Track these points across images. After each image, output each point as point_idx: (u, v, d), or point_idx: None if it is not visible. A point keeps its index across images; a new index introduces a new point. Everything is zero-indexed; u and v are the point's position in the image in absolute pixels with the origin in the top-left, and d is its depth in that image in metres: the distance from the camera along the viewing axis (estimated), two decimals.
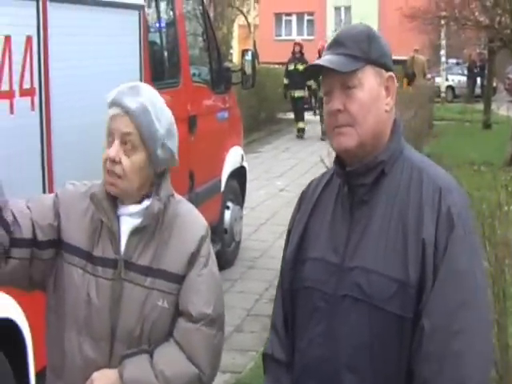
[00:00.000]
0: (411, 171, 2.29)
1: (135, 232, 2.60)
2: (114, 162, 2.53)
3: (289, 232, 2.53)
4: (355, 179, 2.31)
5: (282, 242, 8.30)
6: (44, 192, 4.50)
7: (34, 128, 4.46)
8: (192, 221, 2.70)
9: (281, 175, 15.21)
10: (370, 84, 2.28)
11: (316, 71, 2.37)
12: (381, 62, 2.32)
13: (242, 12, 43.13)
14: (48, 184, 4.55)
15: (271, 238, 10.19)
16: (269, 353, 2.51)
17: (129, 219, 2.61)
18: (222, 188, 8.51)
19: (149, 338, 2.57)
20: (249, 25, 42.19)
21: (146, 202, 2.61)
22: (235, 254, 9.10)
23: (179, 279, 2.59)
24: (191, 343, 2.58)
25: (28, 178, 4.40)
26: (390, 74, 2.34)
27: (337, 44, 2.33)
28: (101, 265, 2.59)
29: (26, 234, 2.59)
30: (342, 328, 2.25)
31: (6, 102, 4.19)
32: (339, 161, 2.36)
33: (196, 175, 7.42)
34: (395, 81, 2.35)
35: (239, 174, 9.16)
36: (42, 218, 2.63)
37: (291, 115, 25.10)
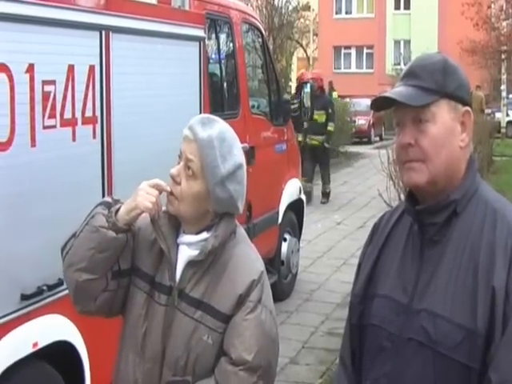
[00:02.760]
0: (485, 211, 2.18)
1: (191, 264, 2.59)
2: (174, 181, 2.56)
3: (359, 265, 2.46)
4: (426, 218, 2.21)
5: (339, 276, 8.35)
6: None
7: (95, 156, 4.53)
8: (247, 263, 2.64)
9: (338, 209, 15.13)
10: (444, 119, 2.17)
11: (386, 103, 2.26)
12: (457, 95, 2.20)
13: (301, 45, 43.34)
14: None
15: (328, 271, 10.13)
16: None
17: (187, 249, 2.61)
18: (280, 220, 8.49)
19: (193, 369, 2.56)
20: (308, 58, 42.36)
21: (204, 235, 2.60)
22: (292, 285, 9.05)
23: (226, 318, 2.55)
24: None
25: (89, 204, 4.41)
26: (467, 108, 2.22)
27: (410, 75, 2.23)
28: (158, 290, 2.62)
29: (115, 266, 2.65)
30: (407, 371, 2.17)
31: (69, 129, 4.25)
32: (411, 197, 2.26)
33: (254, 206, 7.42)
34: (472, 116, 2.23)
35: (297, 207, 9.13)
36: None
37: (350, 148, 25.12)
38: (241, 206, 2.63)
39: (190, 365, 2.55)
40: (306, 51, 43.28)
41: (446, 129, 2.18)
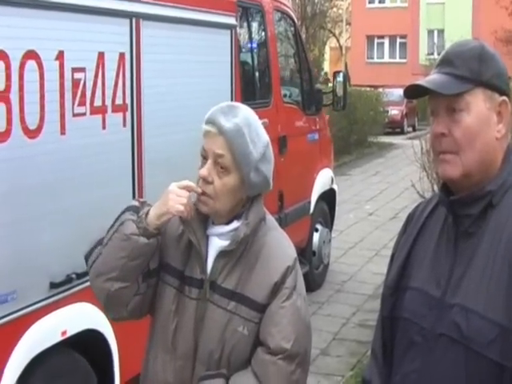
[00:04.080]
0: None
1: (222, 254, 2.52)
2: (206, 181, 2.46)
3: (392, 256, 2.39)
4: (460, 209, 2.13)
5: (371, 267, 8.27)
6: None
7: (126, 144, 4.50)
8: (280, 250, 2.58)
9: (370, 199, 15.04)
10: (479, 108, 2.09)
11: (419, 91, 2.17)
12: (493, 83, 2.10)
13: (333, 34, 43.25)
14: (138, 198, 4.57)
15: (360, 261, 10.07)
16: (367, 379, 2.41)
17: (217, 240, 2.55)
18: (312, 210, 8.43)
19: (228, 361, 2.51)
20: (340, 47, 42.21)
21: (235, 224, 2.54)
22: (323, 276, 8.99)
23: (261, 308, 2.50)
24: (267, 375, 2.48)
25: (119, 193, 4.43)
26: (504, 98, 2.12)
27: (444, 62, 2.14)
28: (188, 284, 2.54)
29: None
30: (438, 368, 2.10)
31: (99, 117, 4.23)
32: (446, 187, 2.18)
33: (285, 196, 7.37)
34: (509, 105, 2.13)
35: (329, 197, 9.07)
36: None
37: (382, 138, 24.99)
38: (272, 182, 2.59)
39: (225, 358, 2.50)
40: (338, 41, 43.11)
41: (481, 119, 2.09)
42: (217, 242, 2.54)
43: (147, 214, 2.48)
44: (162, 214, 2.45)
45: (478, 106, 2.09)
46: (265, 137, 2.55)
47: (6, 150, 3.59)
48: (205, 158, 2.48)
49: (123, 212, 2.55)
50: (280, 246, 2.60)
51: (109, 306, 2.62)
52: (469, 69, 2.09)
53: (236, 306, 2.49)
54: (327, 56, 45.92)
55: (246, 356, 2.51)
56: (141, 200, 2.62)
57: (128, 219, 2.49)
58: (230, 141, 2.43)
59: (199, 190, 2.46)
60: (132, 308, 2.58)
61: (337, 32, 44.44)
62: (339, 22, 43.78)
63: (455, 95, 2.08)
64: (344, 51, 41.73)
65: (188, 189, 2.46)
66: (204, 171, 2.46)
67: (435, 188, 7.91)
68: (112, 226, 2.54)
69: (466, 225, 2.13)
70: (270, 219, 2.65)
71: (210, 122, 2.47)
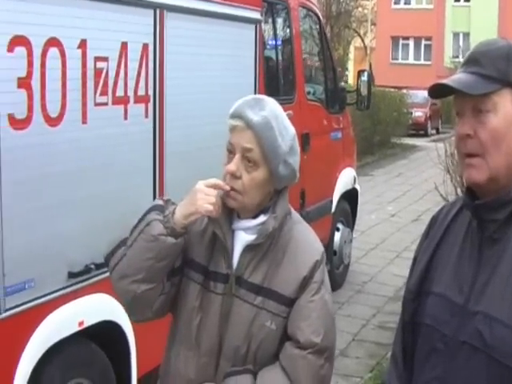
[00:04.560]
0: None
1: (248, 248, 2.48)
2: (234, 176, 2.42)
3: (414, 259, 2.32)
4: (485, 214, 2.05)
5: (392, 269, 8.19)
6: (154, 198, 4.49)
7: (147, 135, 4.48)
8: (307, 244, 2.55)
9: (393, 200, 14.95)
10: (506, 109, 2.00)
11: (444, 90, 2.09)
12: None
13: (358, 34, 43.10)
14: (159, 191, 4.56)
15: (381, 263, 10.00)
16: (386, 383, 2.35)
17: (243, 234, 2.50)
18: (333, 209, 8.38)
19: (255, 357, 2.47)
20: (365, 47, 42.09)
21: (262, 218, 2.49)
22: (344, 276, 8.93)
23: (289, 302, 2.46)
24: (297, 370, 2.44)
25: (140, 184, 4.42)
26: None
27: (471, 61, 2.07)
28: (213, 279, 2.50)
29: None
30: (459, 376, 2.04)
31: (121, 107, 4.21)
32: (471, 191, 2.11)
33: (307, 194, 7.32)
34: None
35: (351, 196, 9.00)
36: None
37: (406, 140, 24.88)
38: (298, 174, 2.55)
39: (251, 353, 2.47)
40: (363, 40, 42.96)
41: (509, 120, 2.01)
42: (243, 237, 2.50)
43: (173, 213, 2.42)
44: (190, 213, 2.39)
45: (506, 107, 2.01)
46: (291, 129, 2.52)
47: (27, 136, 3.58)
48: (231, 152, 2.45)
49: (148, 212, 2.47)
50: (307, 240, 2.57)
51: (134, 309, 2.57)
52: (496, 68, 2.02)
53: (263, 300, 2.46)
54: (351, 55, 45.75)
55: (272, 351, 2.48)
56: (165, 198, 2.56)
57: (154, 219, 2.42)
58: (258, 134, 2.39)
59: (227, 188, 2.41)
60: (156, 308, 2.53)
61: (362, 32, 44.27)
62: (364, 22, 43.60)
63: (482, 95, 2.00)
64: (369, 51, 41.56)
65: (216, 187, 2.41)
66: (232, 166, 2.41)
67: (458, 191, 7.83)
68: (136, 226, 2.46)
69: (491, 230, 2.05)
70: (294, 213, 2.62)
71: (236, 115, 2.43)
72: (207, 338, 2.49)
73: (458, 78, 2.05)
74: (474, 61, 2.06)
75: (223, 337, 2.48)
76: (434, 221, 2.32)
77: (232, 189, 2.42)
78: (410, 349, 2.25)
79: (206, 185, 2.40)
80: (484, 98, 2.00)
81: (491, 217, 2.04)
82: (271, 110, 2.45)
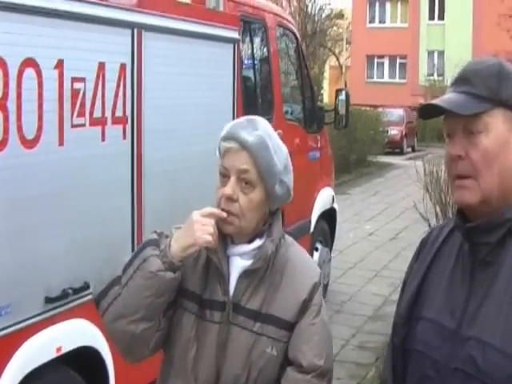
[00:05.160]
0: None
1: (245, 274, 2.42)
2: (230, 200, 2.37)
3: (404, 283, 2.27)
4: (477, 237, 2.00)
5: (371, 288, 8.17)
6: (132, 220, 4.43)
7: (125, 157, 4.41)
8: (304, 266, 2.51)
9: (370, 219, 14.95)
10: (498, 130, 1.95)
11: (433, 110, 2.05)
12: None
13: (333, 53, 43.30)
14: (137, 212, 4.49)
15: (359, 282, 9.97)
16: None
17: (239, 260, 2.45)
18: (312, 229, 8.33)
19: None
20: (340, 66, 42.27)
21: (258, 242, 2.44)
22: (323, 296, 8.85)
23: (290, 326, 2.42)
24: None
25: (118, 205, 4.35)
26: None
27: (461, 80, 2.02)
28: (209, 308, 2.43)
29: None
30: None
31: (98, 129, 4.14)
32: (462, 213, 2.06)
33: (286, 214, 7.21)
34: None
35: (329, 216, 8.97)
36: None
37: (382, 158, 24.98)
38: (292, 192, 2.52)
39: (251, 381, 2.40)
40: (338, 59, 43.17)
41: (500, 141, 1.96)
42: (239, 262, 2.44)
43: (169, 246, 2.35)
44: (188, 246, 2.33)
45: (498, 127, 1.96)
46: (284, 147, 2.50)
47: (3, 159, 3.50)
48: (225, 176, 2.40)
49: (142, 248, 2.40)
50: (304, 262, 2.54)
51: (131, 349, 2.47)
52: (487, 87, 1.97)
53: (262, 326, 2.41)
54: (326, 75, 45.91)
55: (273, 377, 2.43)
56: (158, 231, 2.47)
57: (151, 255, 2.35)
58: (254, 154, 2.35)
59: (224, 215, 2.36)
60: (153, 346, 2.45)
61: (337, 51, 44.52)
62: (339, 41, 43.87)
63: (473, 116, 1.95)
64: (344, 70, 41.76)
65: (212, 216, 2.35)
66: (228, 190, 2.36)
67: (437, 209, 7.83)
68: (130, 263, 2.38)
69: (483, 253, 2.00)
70: (287, 235, 2.57)
71: (229, 138, 2.39)
72: (204, 369, 2.42)
73: (448, 98, 2.01)
74: (464, 80, 2.02)
75: (221, 367, 2.41)
76: (423, 244, 2.27)
77: (228, 213, 2.37)
78: (401, 374, 2.19)
79: (202, 215, 2.34)
80: (475, 118, 1.95)
81: (484, 240, 1.99)
82: (264, 129, 2.43)
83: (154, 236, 2.43)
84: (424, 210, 7.93)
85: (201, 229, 2.31)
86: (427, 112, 2.10)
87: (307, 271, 2.49)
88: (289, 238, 2.57)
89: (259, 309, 2.41)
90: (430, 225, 7.86)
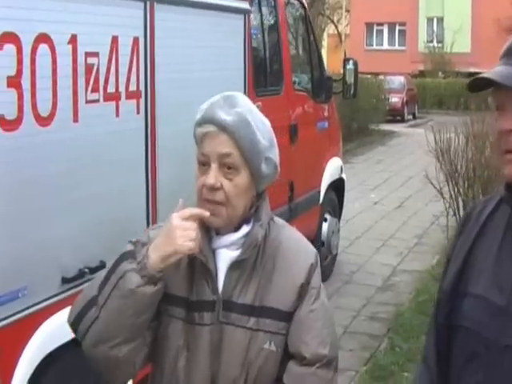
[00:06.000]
0: None
1: (234, 266, 2.22)
2: (213, 189, 2.16)
3: (448, 260, 2.19)
4: None
5: (379, 258, 8.16)
6: (147, 197, 4.37)
7: (139, 132, 4.32)
8: (298, 248, 2.31)
9: (374, 188, 14.89)
10: None
11: (484, 84, 1.96)
12: None
13: (332, 21, 42.95)
14: (151, 189, 4.41)
15: (368, 252, 9.92)
16: None
17: (226, 252, 2.24)
18: (321, 200, 8.26)
19: None
20: (339, 34, 41.96)
21: (246, 229, 2.24)
22: (331, 267, 8.83)
23: (288, 316, 2.23)
24: None
25: (132, 182, 4.27)
26: None
27: (511, 53, 1.94)
28: (197, 310, 2.22)
29: None
30: (502, 382, 1.91)
31: (112, 104, 4.05)
32: (510, 186, 1.99)
33: (296, 186, 7.21)
34: None
35: (337, 186, 8.91)
36: None
37: (383, 126, 24.89)
38: (279, 167, 2.30)
39: (251, 382, 2.22)
40: (337, 28, 42.85)
41: None
42: (226, 254, 2.24)
43: (147, 256, 2.12)
44: (167, 255, 2.10)
45: None
46: (266, 120, 2.29)
47: (17, 138, 3.40)
48: (205, 164, 2.18)
49: (118, 262, 2.17)
50: (297, 244, 2.34)
51: (116, 374, 2.26)
52: None
53: (257, 321, 2.21)
54: (325, 43, 45.64)
55: (274, 375, 2.24)
56: (133, 240, 2.25)
57: (128, 270, 2.12)
58: (235, 135, 2.15)
59: (207, 214, 2.14)
60: (140, 363, 2.26)
61: (335, 19, 44.15)
62: (338, 9, 43.48)
63: None
64: (344, 38, 41.49)
65: (194, 217, 2.13)
66: (211, 179, 2.15)
67: (449, 180, 7.75)
68: (106, 281, 2.16)
69: None
70: (276, 217, 2.38)
71: (205, 121, 2.18)
72: (198, 376, 2.23)
73: (499, 71, 1.92)
74: None
75: (216, 371, 2.22)
76: (467, 218, 2.19)
77: (213, 202, 2.17)
78: (444, 352, 2.12)
79: (183, 217, 2.12)
80: None
81: None
82: (243, 104, 2.22)
83: (130, 247, 2.21)
84: (436, 180, 7.85)
85: (182, 235, 2.09)
86: (476, 85, 2.01)
87: (302, 253, 2.30)
88: (279, 220, 2.38)
89: (253, 302, 2.22)
90: (442, 195, 7.79)
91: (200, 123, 2.19)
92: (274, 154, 2.26)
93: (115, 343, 2.15)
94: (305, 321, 2.23)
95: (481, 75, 1.95)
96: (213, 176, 2.15)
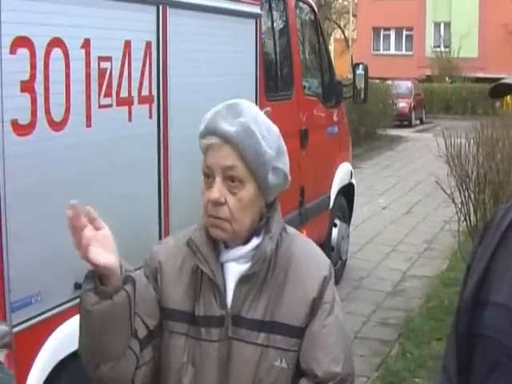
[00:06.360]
0: None
1: (243, 280, 2.14)
2: (217, 203, 2.08)
3: (468, 267, 2.14)
4: None
5: (388, 263, 8.13)
6: (159, 202, 4.34)
7: (152, 137, 4.31)
8: (311, 259, 2.21)
9: (383, 193, 14.86)
10: None
11: (506, 89, 1.93)
12: None
13: (339, 26, 42.95)
14: (164, 193, 4.40)
15: (377, 257, 9.88)
16: None
17: (234, 265, 2.16)
18: (331, 205, 8.24)
19: None
20: (346, 39, 41.95)
21: (255, 241, 2.16)
22: (341, 273, 8.79)
23: (300, 332, 2.14)
24: None
25: (144, 186, 4.25)
26: None
27: None
28: (204, 325, 2.15)
29: (142, 331, 2.17)
30: None
31: (125, 109, 4.04)
32: None
33: (307, 191, 7.18)
34: None
35: (347, 191, 8.89)
36: (144, 302, 2.19)
37: (391, 131, 24.87)
38: (289, 176, 2.22)
39: None
40: (343, 32, 42.83)
41: None
42: (235, 268, 2.16)
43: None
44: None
45: None
46: (274, 127, 2.19)
47: (31, 143, 3.39)
48: (209, 176, 2.11)
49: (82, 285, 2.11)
50: (310, 255, 2.24)
51: None
52: None
53: (268, 336, 2.13)
54: (331, 48, 45.69)
55: None
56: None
57: (84, 291, 2.06)
58: (239, 146, 2.07)
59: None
60: (142, 383, 2.17)
61: (342, 24, 44.15)
62: (345, 14, 43.49)
63: None
64: (350, 43, 41.48)
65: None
66: (214, 193, 2.07)
67: (459, 185, 7.72)
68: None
69: None
70: (289, 227, 2.30)
71: (208, 133, 2.11)
72: None
73: None
74: None
75: None
76: (488, 226, 2.13)
77: (218, 218, 2.10)
78: (465, 361, 2.07)
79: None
80: None
81: None
82: (248, 112, 2.12)
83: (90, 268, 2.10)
84: (447, 185, 7.81)
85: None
86: (497, 90, 1.98)
87: (315, 264, 2.20)
88: (291, 230, 2.29)
89: (263, 317, 2.14)
90: (453, 200, 7.75)
91: (203, 135, 2.13)
92: (283, 163, 2.17)
93: (94, 363, 2.10)
94: (317, 337, 2.14)
95: (502, 81, 1.92)
96: (217, 190, 2.08)
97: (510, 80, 1.90)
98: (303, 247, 2.24)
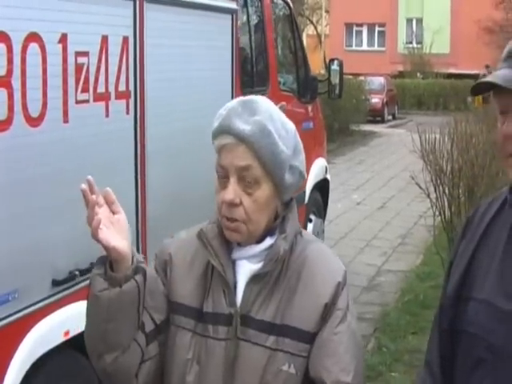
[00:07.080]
0: None
1: (255, 279, 2.08)
2: (232, 205, 2.04)
3: (450, 263, 2.16)
4: None
5: (363, 258, 8.20)
6: (136, 198, 4.31)
7: (129, 132, 4.28)
8: (326, 264, 2.15)
9: (357, 188, 14.92)
10: None
11: (486, 87, 1.94)
12: None
13: (311, 22, 43.00)
14: (141, 190, 4.36)
15: (352, 252, 9.91)
16: None
17: (246, 263, 2.11)
18: (306, 200, 8.23)
19: None
20: (318, 35, 42.02)
21: (269, 241, 2.11)
22: None
23: (310, 338, 2.07)
24: None
25: (121, 182, 4.22)
26: None
27: None
28: (212, 322, 2.10)
29: (149, 325, 2.14)
30: None
31: (102, 104, 4.00)
32: None
33: None
34: None
35: (322, 187, 8.87)
36: (153, 296, 2.16)
37: (364, 127, 24.98)
38: (306, 174, 2.19)
39: None
40: (316, 28, 42.90)
41: None
42: (247, 266, 2.11)
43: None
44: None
45: None
46: (290, 124, 2.14)
47: (8, 139, 3.35)
48: (224, 177, 2.06)
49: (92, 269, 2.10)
50: (325, 260, 2.16)
51: None
52: None
53: (277, 340, 2.06)
54: (304, 43, 45.83)
55: None
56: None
57: (94, 275, 2.05)
58: (254, 146, 2.00)
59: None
60: (145, 379, 2.13)
61: (315, 20, 44.21)
62: (317, 10, 43.56)
63: None
64: (323, 39, 41.57)
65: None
66: (229, 195, 2.03)
67: (434, 179, 7.76)
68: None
69: None
70: (305, 231, 2.26)
71: (223, 131, 2.04)
72: None
73: (502, 75, 1.90)
74: None
75: None
76: (470, 221, 2.15)
77: (233, 220, 2.06)
78: (448, 357, 2.08)
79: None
80: None
81: None
82: (264, 110, 2.06)
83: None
84: (423, 180, 7.85)
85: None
86: (478, 88, 1.98)
87: (329, 269, 2.13)
88: (308, 234, 2.26)
89: (273, 319, 2.07)
90: (428, 195, 7.79)
91: (217, 133, 2.07)
92: (300, 161, 2.13)
93: (98, 353, 2.08)
94: (327, 344, 2.06)
95: (484, 79, 1.93)
96: (231, 191, 2.03)
97: (491, 78, 1.92)
98: (318, 251, 2.18)
